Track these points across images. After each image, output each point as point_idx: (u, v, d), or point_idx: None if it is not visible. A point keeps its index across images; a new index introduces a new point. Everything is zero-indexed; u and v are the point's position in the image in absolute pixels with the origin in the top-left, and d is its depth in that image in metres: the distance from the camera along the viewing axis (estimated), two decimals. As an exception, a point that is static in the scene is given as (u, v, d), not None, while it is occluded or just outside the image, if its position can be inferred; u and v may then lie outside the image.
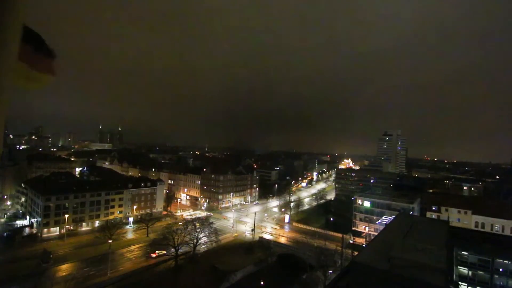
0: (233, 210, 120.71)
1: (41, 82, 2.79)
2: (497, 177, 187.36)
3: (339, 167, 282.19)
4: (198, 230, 76.37)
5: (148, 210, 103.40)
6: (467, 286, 46.96)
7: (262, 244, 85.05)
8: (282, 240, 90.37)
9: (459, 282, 47.21)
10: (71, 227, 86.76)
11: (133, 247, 79.62)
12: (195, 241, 73.91)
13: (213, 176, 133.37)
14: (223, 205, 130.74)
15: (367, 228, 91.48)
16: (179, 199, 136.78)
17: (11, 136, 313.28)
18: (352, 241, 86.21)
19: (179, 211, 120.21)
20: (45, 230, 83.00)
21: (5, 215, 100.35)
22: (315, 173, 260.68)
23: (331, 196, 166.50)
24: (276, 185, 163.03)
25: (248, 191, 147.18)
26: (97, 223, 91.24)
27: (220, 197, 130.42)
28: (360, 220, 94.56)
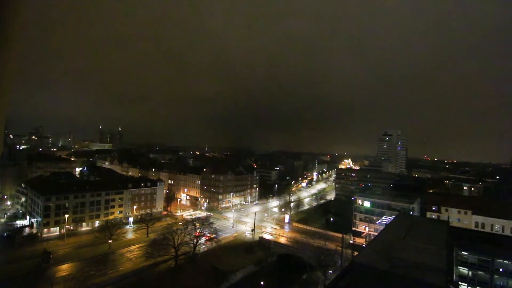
0: (233, 210, 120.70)
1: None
2: (497, 177, 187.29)
3: (339, 167, 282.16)
4: (198, 230, 76.45)
5: (148, 210, 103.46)
6: (467, 286, 46.92)
7: (262, 244, 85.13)
8: (282, 240, 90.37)
9: (459, 282, 47.18)
10: (71, 227, 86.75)
11: (133, 247, 79.60)
12: (195, 241, 73.94)
13: (213, 176, 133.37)
14: (223, 205, 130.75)
15: (367, 228, 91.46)
16: (179, 199, 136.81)
17: (11, 136, 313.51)
18: (352, 241, 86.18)
19: (179, 211, 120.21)
20: (45, 230, 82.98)
21: (5, 215, 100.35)
22: (315, 173, 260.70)
23: (331, 196, 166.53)
24: (276, 185, 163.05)
25: (248, 191, 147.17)
26: (97, 223, 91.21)
27: (220, 197, 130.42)
28: (360, 220, 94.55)
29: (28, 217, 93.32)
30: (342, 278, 31.60)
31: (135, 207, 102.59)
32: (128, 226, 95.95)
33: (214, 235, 79.07)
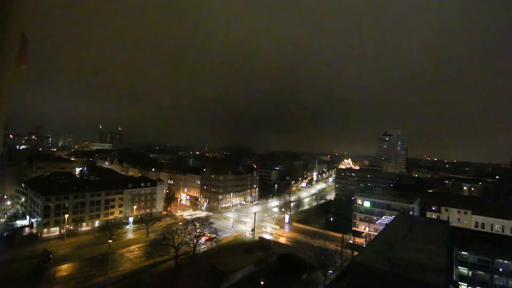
0: (233, 210, 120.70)
1: (17, 75, 2.45)
2: (497, 177, 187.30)
3: (339, 167, 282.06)
4: (198, 230, 76.45)
5: (148, 210, 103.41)
6: (467, 286, 46.96)
7: (262, 244, 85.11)
8: (282, 240, 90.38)
9: (459, 282, 47.21)
10: (71, 227, 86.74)
11: (133, 247, 79.63)
12: (195, 241, 73.95)
13: (213, 176, 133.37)
14: (223, 205, 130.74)
15: (367, 228, 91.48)
16: (179, 199, 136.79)
17: (11, 136, 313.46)
18: (352, 241, 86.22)
19: (179, 211, 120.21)
20: (45, 230, 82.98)
21: (5, 215, 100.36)
22: (315, 173, 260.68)
23: (331, 196, 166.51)
24: (276, 185, 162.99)
25: (248, 191, 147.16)
26: (97, 223, 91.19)
27: (220, 197, 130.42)
28: (360, 220, 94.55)
29: (28, 217, 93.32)
30: (342, 278, 31.62)
31: (135, 207, 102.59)
32: (128, 226, 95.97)
33: (214, 235, 79.08)
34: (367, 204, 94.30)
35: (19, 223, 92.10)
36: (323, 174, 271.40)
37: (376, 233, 70.10)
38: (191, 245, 73.53)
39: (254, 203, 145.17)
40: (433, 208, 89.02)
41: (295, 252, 79.94)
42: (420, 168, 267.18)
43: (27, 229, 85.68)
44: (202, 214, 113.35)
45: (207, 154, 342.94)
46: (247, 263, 74.53)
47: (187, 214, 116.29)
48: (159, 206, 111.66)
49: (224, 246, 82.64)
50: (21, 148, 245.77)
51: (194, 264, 69.68)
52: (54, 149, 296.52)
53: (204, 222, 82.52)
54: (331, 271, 65.64)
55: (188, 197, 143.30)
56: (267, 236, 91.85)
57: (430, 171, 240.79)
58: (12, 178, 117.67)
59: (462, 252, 47.76)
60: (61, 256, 70.28)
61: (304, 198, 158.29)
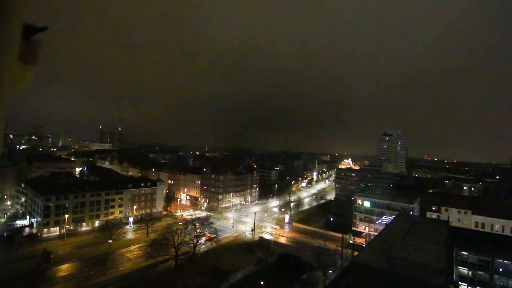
0: (233, 210, 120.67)
1: (27, 76, 2.30)
2: (497, 177, 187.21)
3: (339, 167, 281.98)
4: (198, 230, 76.48)
5: (148, 210, 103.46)
6: (467, 286, 46.94)
7: (262, 244, 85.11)
8: (282, 240, 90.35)
9: (459, 282, 47.19)
10: (71, 227, 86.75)
11: (133, 247, 79.60)
12: (195, 241, 73.96)
13: (213, 176, 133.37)
14: (223, 205, 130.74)
15: (367, 228, 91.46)
16: (179, 199, 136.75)
17: (11, 136, 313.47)
18: (352, 241, 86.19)
19: (179, 211, 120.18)
20: (45, 230, 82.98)
21: (5, 215, 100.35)
22: (315, 173, 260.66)
23: (331, 196, 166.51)
24: (276, 185, 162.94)
25: (248, 191, 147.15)
26: (97, 223, 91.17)
27: (220, 197, 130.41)
28: (360, 220, 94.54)
29: (28, 217, 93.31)
30: (342, 278, 31.64)
31: (135, 207, 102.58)
32: (128, 226, 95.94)
33: (214, 235, 79.08)
34: (367, 204, 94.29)
35: (19, 223, 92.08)
36: (323, 174, 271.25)
37: (376, 233, 70.06)
38: (191, 245, 73.53)
39: (254, 203, 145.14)
40: (433, 208, 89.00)
41: (295, 252, 79.90)
42: (420, 168, 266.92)
43: (27, 229, 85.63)
44: (202, 214, 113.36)
45: (207, 154, 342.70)
46: (247, 263, 74.54)
47: (187, 214, 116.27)
48: (159, 206, 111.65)
49: (224, 246, 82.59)
50: (21, 148, 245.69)
51: (194, 264, 69.64)
52: (54, 149, 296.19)
53: (204, 222, 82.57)
54: (331, 271, 65.66)
55: (188, 197, 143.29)
56: (267, 236, 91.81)
57: (430, 171, 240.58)
58: (12, 178, 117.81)
59: (462, 252, 47.74)
60: (61, 256, 70.27)
61: (304, 198, 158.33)
